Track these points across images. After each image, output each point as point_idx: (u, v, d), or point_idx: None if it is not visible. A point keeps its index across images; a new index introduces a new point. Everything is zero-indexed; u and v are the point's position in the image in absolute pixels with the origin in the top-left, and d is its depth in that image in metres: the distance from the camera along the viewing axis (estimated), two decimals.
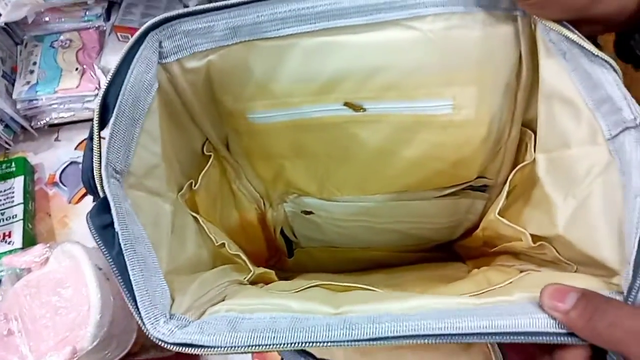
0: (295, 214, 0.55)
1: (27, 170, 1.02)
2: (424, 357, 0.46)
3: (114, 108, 0.31)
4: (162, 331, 0.28)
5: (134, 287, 0.28)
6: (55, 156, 1.06)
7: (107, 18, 0.99)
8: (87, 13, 0.98)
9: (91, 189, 0.31)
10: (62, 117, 1.03)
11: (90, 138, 0.31)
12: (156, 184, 0.35)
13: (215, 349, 0.27)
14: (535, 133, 0.39)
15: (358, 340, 0.26)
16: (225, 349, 0.26)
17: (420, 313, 0.27)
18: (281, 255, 0.60)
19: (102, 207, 0.29)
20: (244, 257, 0.42)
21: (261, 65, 0.39)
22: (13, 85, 0.99)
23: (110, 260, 0.28)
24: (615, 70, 0.30)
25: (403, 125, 0.42)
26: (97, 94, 0.98)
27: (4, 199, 0.99)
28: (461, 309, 0.28)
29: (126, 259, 0.28)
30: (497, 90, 0.38)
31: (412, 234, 0.53)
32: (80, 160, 1.04)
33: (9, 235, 0.96)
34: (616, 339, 0.25)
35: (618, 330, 0.25)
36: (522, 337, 0.26)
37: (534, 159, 0.38)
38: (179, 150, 0.39)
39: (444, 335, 0.26)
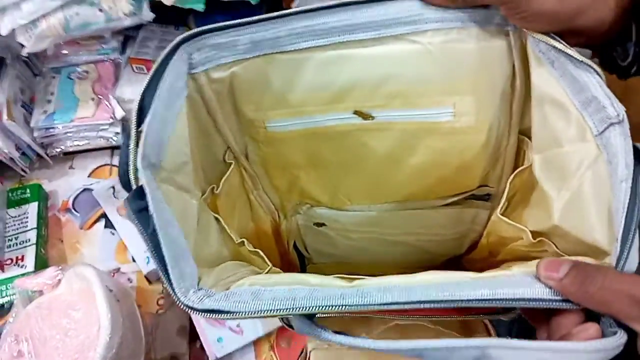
0: (307, 226, 0.58)
1: (42, 196, 1.05)
2: None
3: (148, 109, 0.34)
4: (192, 299, 0.30)
5: (167, 262, 0.30)
6: (68, 183, 1.09)
7: (123, 51, 1.04)
8: (103, 46, 1.03)
9: (126, 181, 0.34)
10: (77, 145, 1.06)
11: (127, 136, 0.34)
12: (185, 180, 0.38)
13: (239, 314, 0.29)
14: (531, 140, 0.42)
15: (369, 305, 0.28)
16: (248, 313, 0.29)
17: (426, 285, 0.29)
18: (293, 271, 0.62)
19: (138, 194, 0.32)
20: (262, 254, 0.44)
21: (279, 76, 0.42)
22: (31, 114, 1.03)
23: (146, 237, 0.31)
24: (598, 74, 0.33)
25: (408, 133, 0.45)
26: (112, 123, 1.02)
27: (18, 224, 1.01)
28: (464, 281, 0.30)
29: (160, 238, 0.31)
30: (494, 98, 0.42)
31: (421, 247, 0.56)
32: (93, 187, 1.07)
33: (22, 259, 0.98)
34: (606, 300, 0.27)
35: (607, 292, 0.27)
36: (521, 303, 0.28)
37: (532, 162, 0.41)
38: (203, 156, 0.42)
39: (448, 301, 0.28)
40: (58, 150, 1.06)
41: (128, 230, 1.01)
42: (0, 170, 1.06)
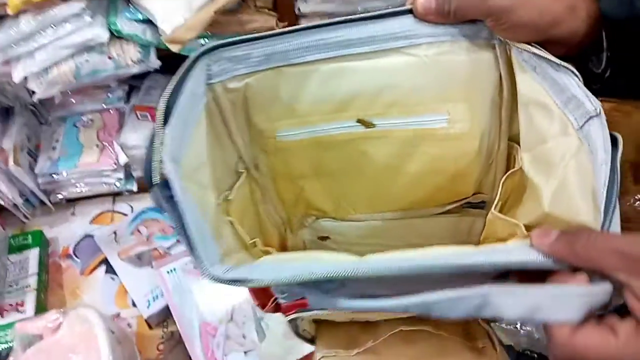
0: (312, 241, 0.60)
1: (43, 242, 1.06)
2: None
3: (171, 112, 0.37)
4: (219, 271, 0.32)
5: (195, 239, 0.32)
6: (69, 230, 1.11)
7: (127, 100, 1.09)
8: (109, 95, 1.07)
9: (149, 178, 0.36)
10: (80, 192, 1.08)
11: (152, 135, 0.37)
12: (203, 180, 0.40)
13: (261, 282, 0.31)
14: (519, 144, 0.46)
15: (378, 274, 0.30)
16: (269, 281, 0.31)
17: (430, 255, 0.31)
18: None
19: (164, 184, 0.34)
20: (274, 250, 0.46)
21: (287, 88, 0.46)
22: (36, 161, 1.05)
23: (173, 220, 0.33)
24: (576, 75, 0.37)
25: (406, 140, 0.49)
26: (115, 169, 1.05)
27: (19, 270, 1.02)
28: (464, 252, 0.32)
29: (186, 219, 0.33)
30: (484, 106, 0.46)
31: None
32: (94, 233, 1.08)
33: (22, 305, 0.98)
34: (592, 257, 0.29)
35: (593, 249, 0.29)
36: (517, 265, 0.30)
37: (521, 163, 0.44)
38: (218, 164, 0.45)
39: (449, 266, 0.30)
40: (61, 196, 1.08)
41: (129, 274, 1.01)
42: (1, 216, 1.07)
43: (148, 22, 0.85)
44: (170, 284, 0.95)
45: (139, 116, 1.04)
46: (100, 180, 1.06)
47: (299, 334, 0.48)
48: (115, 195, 1.13)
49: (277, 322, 0.93)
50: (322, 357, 0.49)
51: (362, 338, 0.50)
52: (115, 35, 0.86)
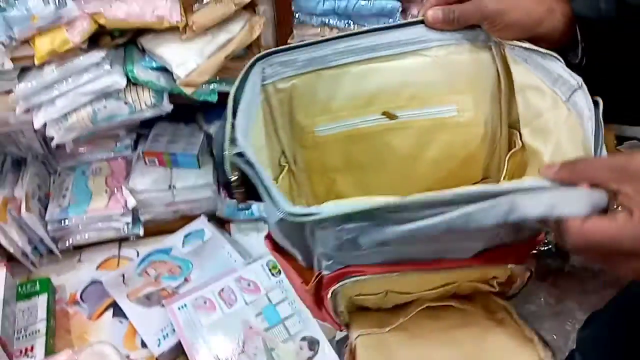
0: None
1: (51, 289, 1.07)
2: (457, 335, 0.54)
3: (238, 104, 0.45)
4: (292, 209, 0.38)
5: (271, 188, 0.38)
6: (76, 276, 1.13)
7: (134, 148, 1.15)
8: (117, 144, 1.13)
9: (220, 157, 0.43)
10: (88, 238, 1.12)
11: (224, 120, 0.44)
12: (264, 161, 0.47)
13: (329, 213, 0.38)
14: (519, 131, 0.54)
15: (424, 200, 0.36)
16: (334, 213, 0.38)
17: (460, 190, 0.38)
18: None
19: (239, 154, 0.40)
20: None
21: (325, 87, 0.54)
22: (46, 209, 1.09)
23: (256, 180, 0.40)
24: (559, 59, 0.46)
25: (423, 129, 0.57)
26: (124, 213, 1.09)
27: (27, 316, 1.03)
28: (488, 186, 0.38)
29: (262, 175, 0.39)
30: (486, 97, 0.54)
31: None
32: (102, 278, 1.10)
33: (31, 350, 0.98)
34: (589, 175, 0.36)
35: (589, 167, 0.37)
36: (529, 191, 0.36)
37: (522, 143, 0.52)
38: (268, 155, 0.52)
39: (477, 193, 0.36)
40: (69, 243, 1.11)
41: (139, 314, 1.03)
42: (9, 265, 1.09)
43: (162, 69, 0.92)
44: (181, 320, 0.98)
45: (147, 162, 1.10)
46: (109, 225, 1.10)
47: (337, 313, 0.53)
48: (122, 240, 1.16)
49: (287, 352, 0.96)
50: (358, 335, 0.54)
51: (392, 319, 0.55)
52: (132, 82, 0.93)
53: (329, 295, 0.49)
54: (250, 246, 1.13)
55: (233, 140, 0.42)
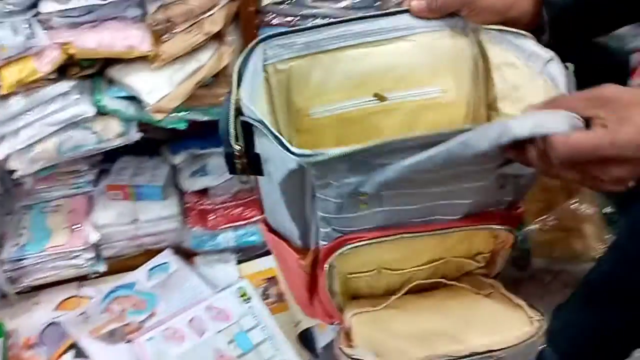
0: None
1: (4, 334, 1.02)
2: (448, 305, 0.57)
3: (243, 77, 0.50)
4: (304, 151, 0.43)
5: (284, 140, 0.43)
6: (32, 320, 1.07)
7: (96, 183, 1.13)
8: (78, 180, 1.11)
9: (225, 127, 0.46)
10: (46, 277, 1.07)
11: (230, 92, 0.49)
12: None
13: (331, 155, 0.42)
14: (496, 112, 0.59)
15: (418, 139, 0.42)
16: (336, 154, 0.42)
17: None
18: None
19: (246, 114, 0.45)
20: None
21: (320, 71, 0.59)
22: (1, 249, 1.05)
23: (265, 130, 0.44)
24: (530, 37, 0.53)
25: (410, 110, 0.61)
26: (85, 249, 1.07)
27: None
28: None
29: (275, 132, 0.44)
30: (466, 79, 0.60)
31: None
32: (60, 319, 1.06)
33: None
34: (568, 107, 0.42)
35: (567, 102, 0.43)
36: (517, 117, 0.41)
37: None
38: None
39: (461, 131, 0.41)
40: (26, 284, 1.06)
41: (102, 351, 0.99)
42: None
43: (131, 98, 0.94)
44: (149, 352, 0.95)
45: (110, 196, 1.09)
46: (69, 262, 1.07)
47: (331, 292, 0.55)
48: (81, 279, 1.12)
49: None
50: (353, 314, 0.56)
51: (384, 301, 0.58)
52: (99, 112, 0.94)
53: (326, 268, 0.52)
54: (217, 277, 1.12)
55: (238, 110, 0.46)
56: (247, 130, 0.50)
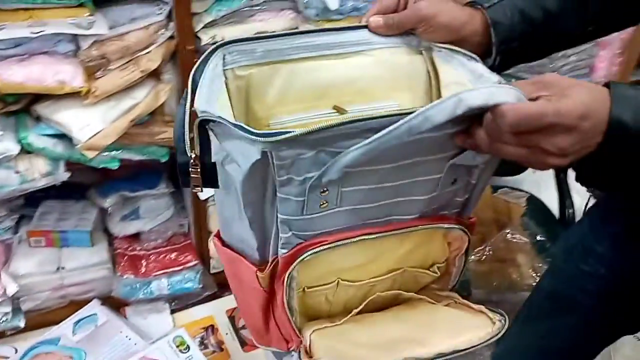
0: None
1: None
2: (409, 315, 0.57)
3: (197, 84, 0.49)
4: (269, 133, 0.43)
5: (247, 127, 0.43)
6: None
7: (16, 231, 1.05)
8: None
9: (180, 134, 0.45)
10: None
11: (184, 98, 0.49)
12: None
13: (297, 134, 0.43)
14: None
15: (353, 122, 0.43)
16: (304, 131, 0.43)
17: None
18: None
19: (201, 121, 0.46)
20: None
21: (280, 80, 0.58)
22: None
23: (225, 123, 0.45)
24: (478, 61, 0.55)
25: None
26: (2, 301, 0.97)
27: None
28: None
29: (236, 122, 0.44)
30: (420, 93, 0.62)
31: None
32: None
33: None
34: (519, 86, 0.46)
35: (515, 84, 0.46)
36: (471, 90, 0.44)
37: None
38: None
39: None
40: None
41: None
42: None
43: (59, 136, 0.89)
44: None
45: (32, 243, 1.01)
46: None
47: (290, 309, 0.53)
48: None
49: None
50: (313, 330, 0.54)
51: (344, 317, 0.56)
52: (24, 150, 0.88)
53: (285, 281, 0.50)
54: (150, 328, 1.06)
55: (193, 115, 0.45)
56: (202, 139, 0.49)
